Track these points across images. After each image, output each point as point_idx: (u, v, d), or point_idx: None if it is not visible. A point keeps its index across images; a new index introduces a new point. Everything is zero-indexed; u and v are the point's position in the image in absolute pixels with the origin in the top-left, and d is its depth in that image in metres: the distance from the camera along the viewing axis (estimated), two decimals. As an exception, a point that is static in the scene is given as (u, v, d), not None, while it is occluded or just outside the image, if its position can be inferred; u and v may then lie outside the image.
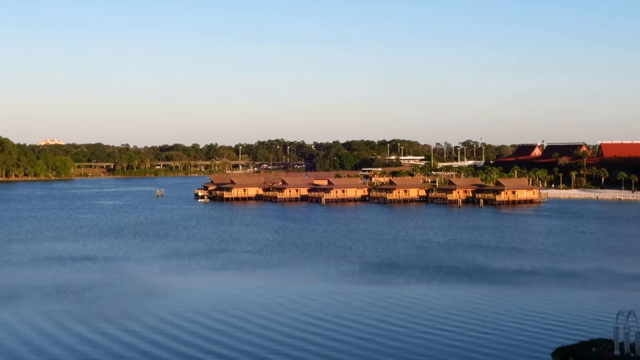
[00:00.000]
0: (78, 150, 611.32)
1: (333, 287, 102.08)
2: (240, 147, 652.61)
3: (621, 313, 62.39)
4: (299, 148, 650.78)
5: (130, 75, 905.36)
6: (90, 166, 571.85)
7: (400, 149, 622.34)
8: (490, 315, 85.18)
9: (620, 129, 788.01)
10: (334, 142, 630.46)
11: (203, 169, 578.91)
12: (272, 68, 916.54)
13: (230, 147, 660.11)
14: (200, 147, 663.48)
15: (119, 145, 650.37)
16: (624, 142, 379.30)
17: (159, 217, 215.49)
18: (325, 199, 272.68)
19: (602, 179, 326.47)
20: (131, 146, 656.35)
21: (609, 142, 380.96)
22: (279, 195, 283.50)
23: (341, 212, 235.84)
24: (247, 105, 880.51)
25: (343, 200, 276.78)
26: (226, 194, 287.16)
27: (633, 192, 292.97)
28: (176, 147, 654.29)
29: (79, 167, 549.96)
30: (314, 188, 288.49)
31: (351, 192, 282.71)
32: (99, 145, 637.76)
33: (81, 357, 69.02)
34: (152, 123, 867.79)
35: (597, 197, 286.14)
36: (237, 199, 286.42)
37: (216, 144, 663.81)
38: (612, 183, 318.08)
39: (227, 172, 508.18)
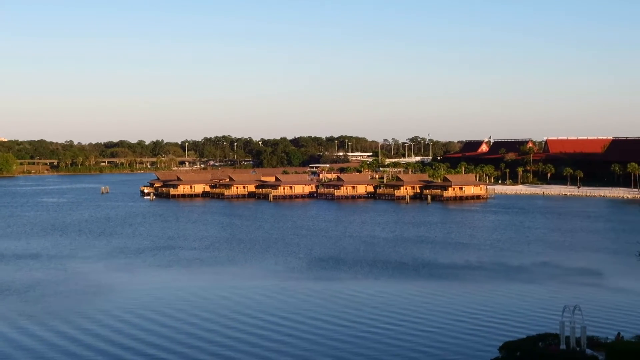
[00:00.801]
0: (20, 147, 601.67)
1: (281, 284, 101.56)
2: (187, 144, 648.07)
3: (567, 307, 62.45)
4: (246, 144, 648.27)
5: (73, 72, 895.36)
6: (34, 163, 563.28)
7: (348, 145, 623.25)
8: (437, 310, 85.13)
9: (565, 125, 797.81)
10: (281, 138, 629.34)
11: (149, 166, 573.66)
12: (216, 63, 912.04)
13: (176, 144, 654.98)
14: (146, 143, 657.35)
15: (63, 142, 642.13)
16: (569, 137, 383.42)
17: (104, 214, 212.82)
18: (273, 196, 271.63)
19: (548, 175, 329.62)
20: (75, 143, 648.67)
21: (555, 138, 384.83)
22: (226, 192, 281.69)
23: (289, 208, 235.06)
24: (193, 101, 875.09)
25: (291, 197, 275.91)
26: (172, 191, 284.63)
27: (578, 187, 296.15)
28: (121, 143, 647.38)
29: (21, 164, 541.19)
30: (261, 185, 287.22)
31: (299, 189, 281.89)
32: (42, 142, 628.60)
33: (27, 354, 68.03)
34: (96, 119, 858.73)
35: (543, 193, 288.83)
36: (183, 195, 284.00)
37: (162, 140, 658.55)
38: (558, 178, 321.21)
39: (173, 168, 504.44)
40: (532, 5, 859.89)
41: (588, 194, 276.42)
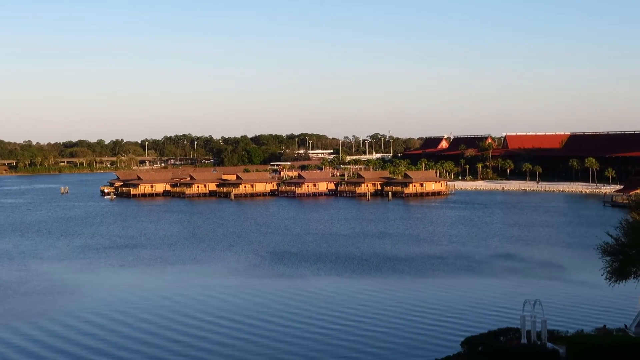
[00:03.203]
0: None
1: (243, 282, 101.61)
2: (147, 143, 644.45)
3: (527, 302, 63.10)
4: (207, 143, 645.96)
5: (30, 70, 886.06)
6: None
7: (309, 143, 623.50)
8: (399, 306, 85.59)
9: (524, 121, 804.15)
10: (242, 136, 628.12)
11: (109, 165, 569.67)
12: (175, 60, 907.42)
13: (136, 143, 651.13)
14: (106, 143, 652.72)
15: (21, 142, 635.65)
16: (528, 133, 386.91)
17: (64, 214, 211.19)
18: (234, 194, 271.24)
19: (508, 170, 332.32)
20: (34, 143, 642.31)
21: (514, 133, 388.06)
22: (187, 190, 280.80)
23: (250, 206, 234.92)
24: (151, 99, 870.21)
25: (252, 195, 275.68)
26: (133, 190, 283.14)
27: (537, 182, 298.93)
28: (80, 143, 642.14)
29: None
30: (222, 183, 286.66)
31: (260, 187, 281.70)
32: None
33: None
34: (55, 119, 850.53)
35: (502, 188, 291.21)
36: (144, 195, 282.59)
37: (122, 139, 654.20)
38: (517, 174, 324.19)
39: (133, 168, 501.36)
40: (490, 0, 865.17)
41: (547, 189, 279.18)
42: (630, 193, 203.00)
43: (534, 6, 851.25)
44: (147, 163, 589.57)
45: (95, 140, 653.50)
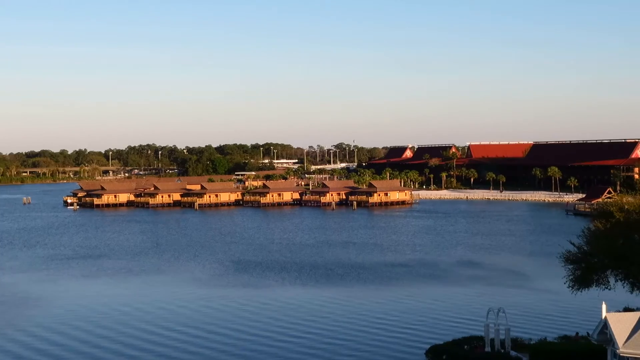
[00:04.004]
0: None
1: (207, 292, 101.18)
2: (111, 153, 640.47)
3: (491, 310, 63.48)
4: (171, 153, 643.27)
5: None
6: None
7: (274, 152, 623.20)
8: (364, 315, 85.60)
9: (488, 130, 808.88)
10: (206, 146, 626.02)
11: (72, 176, 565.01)
12: (139, 70, 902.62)
13: (100, 153, 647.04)
14: (69, 153, 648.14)
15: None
16: (491, 143, 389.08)
17: (27, 225, 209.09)
18: (199, 204, 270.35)
19: (472, 180, 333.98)
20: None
21: (478, 143, 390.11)
22: (151, 200, 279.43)
23: (215, 216, 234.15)
24: (114, 109, 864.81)
25: (217, 205, 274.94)
26: (96, 201, 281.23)
27: (501, 191, 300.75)
28: (43, 153, 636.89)
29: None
30: (186, 193, 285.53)
31: (225, 197, 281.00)
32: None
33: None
34: (17, 129, 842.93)
35: (467, 197, 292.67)
36: (107, 205, 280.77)
37: (85, 149, 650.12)
38: (481, 183, 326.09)
39: (97, 178, 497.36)
40: (455, 7, 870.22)
41: (510, 198, 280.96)
42: (593, 202, 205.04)
43: (498, 16, 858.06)
44: (111, 173, 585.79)
45: (58, 151, 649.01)
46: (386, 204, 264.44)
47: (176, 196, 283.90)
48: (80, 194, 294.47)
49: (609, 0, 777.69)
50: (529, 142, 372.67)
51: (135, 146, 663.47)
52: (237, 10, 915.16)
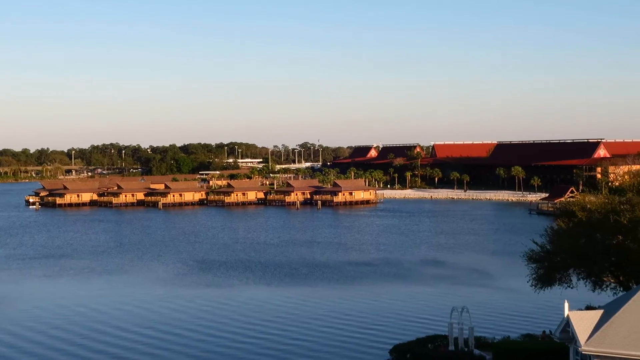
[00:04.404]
0: None
1: (171, 292, 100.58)
2: (74, 152, 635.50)
3: (455, 309, 63.58)
4: (135, 152, 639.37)
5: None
6: None
7: (238, 151, 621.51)
8: (328, 314, 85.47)
9: (452, 130, 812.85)
10: (170, 145, 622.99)
11: (34, 175, 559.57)
12: (102, 68, 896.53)
13: (62, 152, 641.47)
14: (31, 152, 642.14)
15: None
16: (456, 142, 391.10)
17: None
18: (162, 203, 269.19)
19: (436, 179, 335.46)
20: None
21: (442, 142, 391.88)
22: (115, 200, 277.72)
23: (179, 216, 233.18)
24: (78, 108, 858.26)
25: (180, 204, 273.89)
26: (59, 200, 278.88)
27: (465, 191, 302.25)
28: (5, 152, 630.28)
29: None
30: (150, 192, 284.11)
31: (189, 196, 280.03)
32: None
33: None
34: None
35: (431, 197, 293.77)
36: (70, 205, 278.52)
37: (48, 148, 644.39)
38: (445, 183, 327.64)
39: (59, 177, 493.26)
40: (420, 8, 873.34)
41: (474, 197, 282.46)
42: (556, 201, 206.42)
43: (463, 17, 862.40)
44: (74, 172, 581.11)
45: (20, 149, 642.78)
46: (351, 203, 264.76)
47: (140, 195, 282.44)
48: (42, 194, 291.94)
49: (573, 2, 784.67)
50: (493, 142, 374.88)
51: (98, 145, 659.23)
52: (199, 9, 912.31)
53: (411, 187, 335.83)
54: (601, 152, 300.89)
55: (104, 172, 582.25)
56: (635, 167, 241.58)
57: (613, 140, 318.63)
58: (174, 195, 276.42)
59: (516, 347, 59.71)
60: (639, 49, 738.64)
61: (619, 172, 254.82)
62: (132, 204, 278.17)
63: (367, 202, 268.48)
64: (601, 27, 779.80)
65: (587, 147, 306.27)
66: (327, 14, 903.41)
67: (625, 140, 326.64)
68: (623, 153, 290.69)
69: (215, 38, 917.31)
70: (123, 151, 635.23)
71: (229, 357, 68.78)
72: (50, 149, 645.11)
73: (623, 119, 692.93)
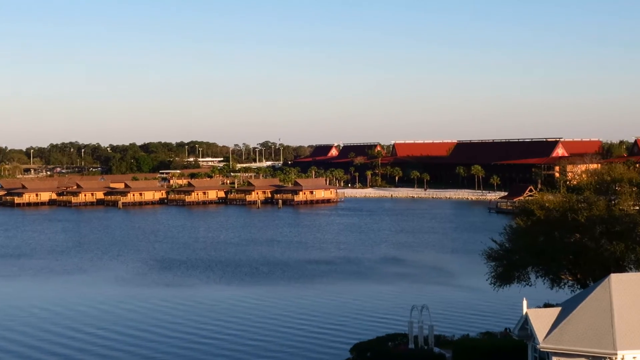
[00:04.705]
0: None
1: (130, 292, 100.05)
2: (32, 151, 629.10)
3: (415, 307, 63.86)
4: (94, 151, 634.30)
5: None
6: None
7: (199, 150, 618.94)
8: (289, 313, 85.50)
9: (412, 129, 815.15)
10: (130, 144, 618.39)
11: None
12: (59, 64, 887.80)
13: (20, 151, 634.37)
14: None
15: None
16: (416, 141, 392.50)
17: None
18: (122, 203, 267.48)
19: (396, 178, 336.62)
20: None
21: (402, 141, 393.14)
22: (74, 199, 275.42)
23: (139, 215, 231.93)
24: (37, 106, 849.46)
25: (141, 204, 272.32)
26: (17, 200, 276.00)
27: (425, 190, 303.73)
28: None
29: None
30: (110, 192, 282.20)
31: (149, 195, 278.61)
32: None
33: None
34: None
35: (391, 196, 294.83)
36: (29, 204, 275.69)
37: (5, 147, 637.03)
38: (406, 181, 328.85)
39: (17, 176, 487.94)
40: (379, 7, 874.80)
41: (434, 196, 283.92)
42: (515, 200, 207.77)
43: (423, 15, 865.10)
44: (32, 171, 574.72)
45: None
46: (311, 202, 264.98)
47: (99, 195, 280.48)
48: (0, 193, 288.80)
49: (531, 0, 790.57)
50: (453, 141, 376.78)
51: (57, 144, 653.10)
52: (164, 8, 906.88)
53: (372, 186, 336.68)
54: (559, 151, 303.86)
55: (63, 171, 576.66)
56: (592, 166, 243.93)
57: (571, 140, 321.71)
58: (134, 195, 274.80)
59: (475, 345, 60.10)
60: (597, 48, 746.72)
61: (577, 171, 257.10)
62: (92, 204, 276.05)
63: (328, 201, 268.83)
64: (560, 27, 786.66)
65: (545, 146, 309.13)
66: (288, 13, 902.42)
67: (583, 140, 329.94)
68: (581, 152, 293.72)
69: (175, 36, 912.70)
70: (82, 150, 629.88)
71: (183, 359, 68.44)
72: (9, 148, 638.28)
73: (581, 119, 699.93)
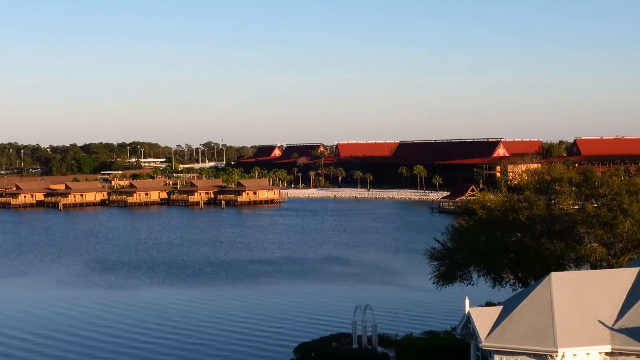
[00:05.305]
0: None
1: (70, 294, 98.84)
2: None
3: (358, 307, 63.98)
4: (34, 152, 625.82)
5: None
6: None
7: (141, 151, 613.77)
8: (232, 314, 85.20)
9: (355, 130, 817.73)
10: (71, 145, 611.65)
11: None
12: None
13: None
14: None
15: None
16: (359, 142, 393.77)
17: None
18: (63, 204, 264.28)
19: (340, 178, 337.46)
20: None
21: (345, 142, 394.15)
22: (13, 201, 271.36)
23: (80, 216, 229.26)
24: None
25: (82, 205, 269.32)
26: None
27: (368, 190, 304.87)
28: None
29: None
30: (50, 193, 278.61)
31: (90, 196, 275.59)
32: None
33: None
34: None
35: (334, 196, 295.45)
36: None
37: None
38: (349, 182, 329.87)
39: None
40: (322, 7, 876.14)
41: (377, 196, 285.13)
42: (457, 199, 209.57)
43: (365, 15, 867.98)
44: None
45: None
46: (255, 202, 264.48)
47: (39, 196, 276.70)
48: None
49: (469, 1, 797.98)
50: (396, 142, 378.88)
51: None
52: (101, 8, 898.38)
53: (315, 186, 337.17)
54: (500, 151, 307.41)
55: (2, 172, 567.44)
56: (533, 166, 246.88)
57: (512, 140, 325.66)
58: (74, 196, 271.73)
59: (419, 344, 60.41)
60: (536, 49, 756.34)
61: (518, 171, 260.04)
62: (32, 205, 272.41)
63: (271, 201, 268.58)
64: (501, 27, 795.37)
65: (487, 147, 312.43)
66: (230, 13, 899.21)
67: (524, 140, 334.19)
68: (521, 152, 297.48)
69: (116, 37, 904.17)
70: (22, 151, 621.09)
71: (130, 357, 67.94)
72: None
73: (521, 119, 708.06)
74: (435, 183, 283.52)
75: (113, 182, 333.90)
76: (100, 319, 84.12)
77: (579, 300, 44.95)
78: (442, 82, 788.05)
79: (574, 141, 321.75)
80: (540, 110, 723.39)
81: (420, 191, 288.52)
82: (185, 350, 70.17)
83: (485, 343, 44.14)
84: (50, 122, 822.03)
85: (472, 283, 68.57)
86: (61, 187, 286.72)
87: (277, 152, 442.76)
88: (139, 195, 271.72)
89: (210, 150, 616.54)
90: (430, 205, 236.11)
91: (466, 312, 46.88)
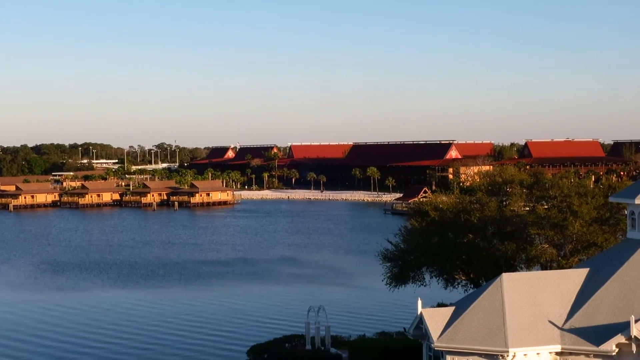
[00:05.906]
0: None
1: (20, 297, 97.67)
2: None
3: (312, 308, 64.11)
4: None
5: None
6: None
7: (93, 152, 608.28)
8: (184, 316, 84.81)
9: (309, 131, 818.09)
10: (22, 145, 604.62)
11: None
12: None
13: None
14: None
15: None
16: (312, 143, 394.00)
17: None
18: (13, 205, 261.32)
19: (293, 180, 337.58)
20: None
21: (299, 143, 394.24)
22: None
23: (30, 218, 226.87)
24: None
25: (33, 206, 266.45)
26: None
27: (322, 191, 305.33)
28: None
29: None
30: (0, 194, 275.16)
31: (41, 198, 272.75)
32: None
33: None
34: None
35: (288, 197, 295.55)
36: None
37: None
38: (302, 183, 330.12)
39: None
40: (277, 7, 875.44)
41: (331, 198, 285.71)
42: (409, 201, 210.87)
43: (320, 14, 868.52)
44: None
45: None
46: (208, 204, 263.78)
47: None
48: None
49: (421, 1, 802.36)
50: (349, 143, 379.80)
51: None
52: (41, 9, 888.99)
53: (268, 188, 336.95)
54: (453, 153, 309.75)
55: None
56: (484, 168, 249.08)
57: (464, 142, 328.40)
58: (25, 197, 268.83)
59: (371, 345, 60.65)
60: (489, 51, 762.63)
61: (470, 173, 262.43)
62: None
63: (225, 203, 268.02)
64: (451, 29, 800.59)
65: (439, 149, 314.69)
66: (183, 14, 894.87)
67: (476, 142, 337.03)
68: (473, 154, 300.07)
69: (67, 38, 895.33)
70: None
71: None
72: None
73: (473, 122, 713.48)
74: (388, 185, 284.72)
75: (65, 184, 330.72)
76: (50, 321, 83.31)
77: (529, 301, 45.40)
78: (395, 84, 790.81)
79: (525, 143, 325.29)
80: (492, 112, 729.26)
81: (373, 193, 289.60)
82: (137, 353, 69.70)
83: (438, 344, 44.43)
84: (1, 123, 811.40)
85: (424, 284, 68.98)
86: (12, 188, 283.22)
87: (230, 154, 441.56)
88: (91, 197, 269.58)
89: (163, 151, 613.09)
90: (383, 206, 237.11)
91: (418, 312, 47.14)
